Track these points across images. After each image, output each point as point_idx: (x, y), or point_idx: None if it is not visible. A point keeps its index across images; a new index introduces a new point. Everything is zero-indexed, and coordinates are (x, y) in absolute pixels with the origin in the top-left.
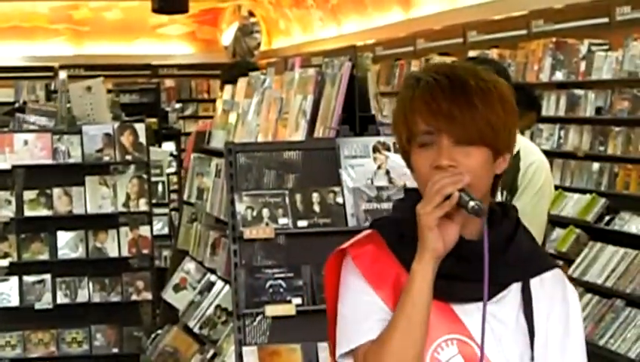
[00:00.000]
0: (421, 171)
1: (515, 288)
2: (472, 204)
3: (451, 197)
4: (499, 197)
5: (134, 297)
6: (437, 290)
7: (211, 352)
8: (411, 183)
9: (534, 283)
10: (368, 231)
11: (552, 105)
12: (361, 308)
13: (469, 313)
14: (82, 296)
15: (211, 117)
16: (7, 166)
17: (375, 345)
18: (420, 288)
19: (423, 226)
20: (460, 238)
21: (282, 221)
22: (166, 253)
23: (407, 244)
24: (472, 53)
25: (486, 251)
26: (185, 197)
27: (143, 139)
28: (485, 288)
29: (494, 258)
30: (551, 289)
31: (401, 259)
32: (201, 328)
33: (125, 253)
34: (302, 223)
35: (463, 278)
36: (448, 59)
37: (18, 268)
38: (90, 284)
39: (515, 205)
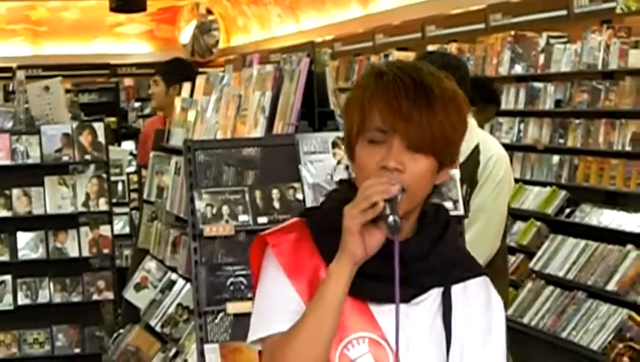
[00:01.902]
0: (366, 167)
1: (436, 293)
2: (390, 219)
3: (377, 205)
4: (459, 191)
5: (95, 297)
6: (356, 288)
7: (173, 351)
8: None
9: (457, 289)
10: (295, 220)
11: (511, 98)
12: (275, 298)
13: (384, 313)
14: (43, 297)
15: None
16: None
17: (282, 339)
18: (334, 290)
19: (345, 229)
20: (386, 238)
21: (242, 218)
22: (127, 252)
23: (331, 237)
24: (430, 48)
25: (397, 265)
26: (145, 195)
27: (102, 138)
28: (397, 293)
29: (417, 261)
30: (474, 297)
31: (323, 252)
32: (162, 326)
33: (86, 252)
34: (262, 220)
35: (384, 278)
36: (407, 54)
37: None
38: (51, 285)
39: (447, 209)
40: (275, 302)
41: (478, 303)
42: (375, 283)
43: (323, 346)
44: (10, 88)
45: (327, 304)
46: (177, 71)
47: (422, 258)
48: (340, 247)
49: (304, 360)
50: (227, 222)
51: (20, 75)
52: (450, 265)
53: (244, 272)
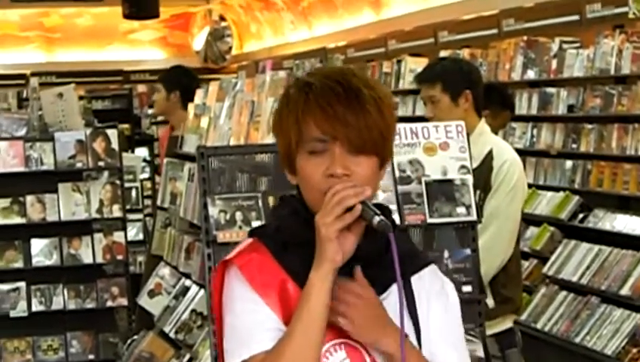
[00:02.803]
0: (312, 179)
1: (395, 289)
2: (377, 219)
3: (354, 209)
4: (472, 197)
5: (109, 303)
6: None
7: (187, 357)
8: (383, 183)
9: (414, 280)
10: (249, 241)
11: (524, 103)
12: (250, 318)
13: None
14: (57, 303)
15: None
16: None
17: (271, 354)
18: (318, 298)
19: (323, 237)
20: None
21: (256, 224)
22: (141, 258)
23: (291, 252)
24: (443, 54)
25: (396, 263)
26: (158, 202)
27: (115, 145)
28: (401, 297)
29: (375, 262)
30: (429, 284)
31: (286, 267)
32: (176, 333)
33: (100, 259)
34: None
35: None
36: (420, 60)
37: None
38: (65, 291)
39: (389, 207)
40: (252, 321)
41: (434, 288)
42: None
43: (313, 356)
44: (24, 95)
45: (314, 312)
46: (176, 77)
47: (378, 256)
48: (317, 255)
49: None
50: (240, 228)
51: (34, 81)
52: (407, 258)
53: None
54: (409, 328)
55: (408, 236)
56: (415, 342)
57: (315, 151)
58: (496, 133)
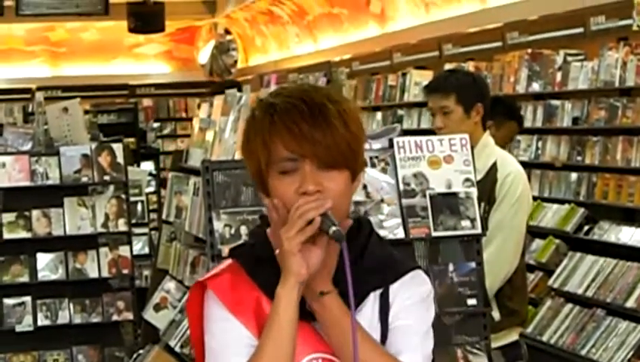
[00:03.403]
0: (284, 198)
1: (373, 297)
2: (333, 229)
3: (313, 222)
4: (477, 209)
5: (115, 317)
6: (299, 310)
7: None
8: (388, 196)
9: (393, 288)
10: (227, 261)
11: (529, 116)
12: (224, 337)
13: None
14: (63, 318)
15: (189, 135)
16: None
17: None
18: (286, 312)
19: (285, 251)
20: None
21: None
22: (146, 272)
23: (264, 268)
24: (448, 66)
25: (349, 276)
26: (164, 216)
27: (120, 159)
28: (352, 308)
29: (351, 271)
30: (407, 290)
31: (260, 284)
32: (182, 347)
33: (105, 273)
34: None
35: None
36: (425, 73)
37: None
38: (71, 305)
39: (368, 219)
40: (227, 340)
41: (412, 294)
42: None
43: None
44: (30, 109)
45: (282, 327)
46: None
47: (354, 266)
48: (283, 270)
49: None
50: None
51: (39, 96)
52: (382, 267)
53: None
54: (376, 338)
55: (386, 244)
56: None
57: (286, 170)
58: (502, 146)
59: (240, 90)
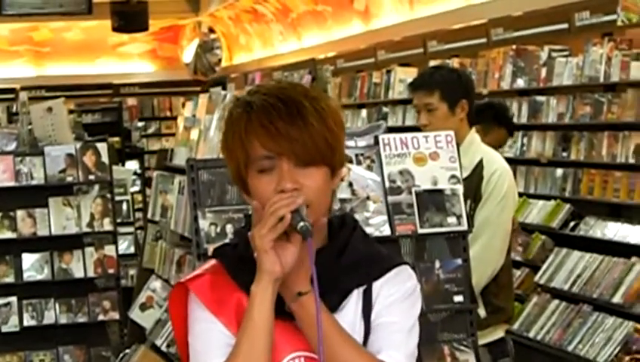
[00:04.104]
0: (263, 196)
1: (356, 294)
2: (300, 224)
3: (284, 218)
4: (463, 206)
5: (101, 317)
6: (278, 309)
7: None
8: (373, 194)
9: (377, 285)
10: (211, 261)
11: (514, 112)
12: (205, 337)
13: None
14: (49, 318)
15: (173, 134)
16: None
17: None
18: (260, 310)
19: (258, 249)
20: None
21: None
22: (132, 272)
23: (245, 269)
24: (432, 63)
25: (314, 273)
26: (149, 215)
27: (105, 158)
28: (317, 304)
29: (332, 268)
30: (391, 286)
31: (240, 283)
32: (168, 346)
33: (91, 273)
34: None
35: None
36: (409, 70)
37: None
38: (57, 306)
39: (353, 216)
40: (207, 340)
41: (396, 290)
42: None
43: None
44: (14, 110)
45: (257, 325)
46: None
47: (336, 263)
48: (257, 268)
49: None
50: None
51: (23, 96)
52: (365, 264)
53: None
54: (359, 336)
55: (371, 240)
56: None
57: (264, 169)
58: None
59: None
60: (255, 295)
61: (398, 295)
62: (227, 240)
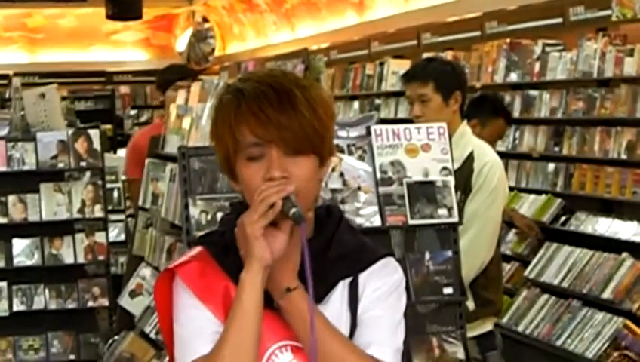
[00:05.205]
0: (252, 184)
1: (342, 285)
2: (292, 210)
3: (275, 205)
4: (454, 198)
5: (91, 304)
6: (265, 299)
7: (168, 358)
8: (365, 184)
9: (363, 276)
10: (196, 249)
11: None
12: (193, 324)
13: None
14: (38, 303)
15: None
16: None
17: (210, 357)
18: (250, 297)
19: (248, 236)
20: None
21: None
22: (122, 259)
23: (232, 256)
24: (426, 56)
25: (307, 258)
26: (140, 202)
27: (97, 145)
28: (310, 292)
29: (319, 260)
30: (378, 279)
31: (228, 271)
32: (157, 333)
33: (81, 259)
34: None
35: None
36: (403, 62)
37: None
38: (47, 291)
39: (339, 207)
40: (194, 327)
41: (383, 282)
42: None
43: (249, 356)
44: (7, 96)
45: (246, 312)
46: (172, 76)
47: (322, 254)
48: (247, 255)
49: None
50: None
51: (16, 81)
52: (351, 255)
53: None
54: (347, 326)
55: (357, 232)
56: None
57: (253, 156)
58: (492, 143)
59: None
60: (245, 281)
61: (385, 288)
62: (212, 229)
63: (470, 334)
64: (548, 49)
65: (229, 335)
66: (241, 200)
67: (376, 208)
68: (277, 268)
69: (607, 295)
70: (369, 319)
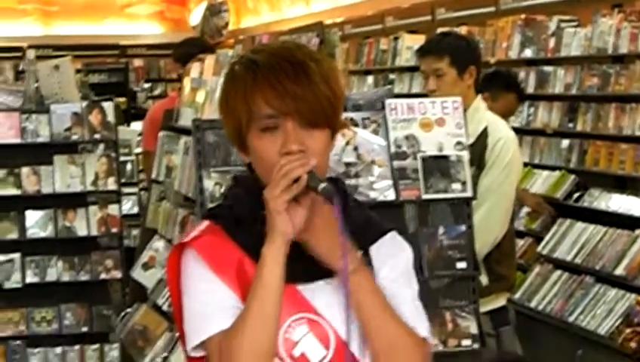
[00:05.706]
0: (266, 156)
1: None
2: (322, 186)
3: (300, 180)
4: (468, 173)
5: (103, 276)
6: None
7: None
8: (379, 158)
9: (373, 249)
10: (205, 223)
11: (521, 82)
12: (208, 298)
13: (313, 291)
14: (51, 275)
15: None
16: None
17: (230, 332)
18: (272, 271)
19: (271, 210)
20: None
21: None
22: (135, 232)
23: (245, 229)
24: (440, 31)
25: (344, 232)
26: (153, 175)
27: (111, 118)
28: (345, 267)
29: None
30: (386, 250)
31: (242, 244)
32: (170, 306)
33: (94, 231)
34: None
35: (305, 258)
36: (417, 37)
37: None
38: (60, 263)
39: (342, 180)
40: (210, 301)
41: (391, 254)
42: (299, 265)
43: (271, 330)
44: (21, 68)
45: (269, 287)
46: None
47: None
48: (269, 230)
49: (255, 349)
50: None
51: (31, 53)
52: (362, 229)
53: None
54: None
55: (365, 206)
56: None
57: (267, 128)
58: (505, 118)
59: None
60: (267, 256)
61: (401, 266)
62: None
63: (483, 309)
64: (563, 25)
65: (252, 310)
66: (245, 174)
67: (390, 182)
68: (324, 252)
69: (620, 271)
70: (397, 299)
